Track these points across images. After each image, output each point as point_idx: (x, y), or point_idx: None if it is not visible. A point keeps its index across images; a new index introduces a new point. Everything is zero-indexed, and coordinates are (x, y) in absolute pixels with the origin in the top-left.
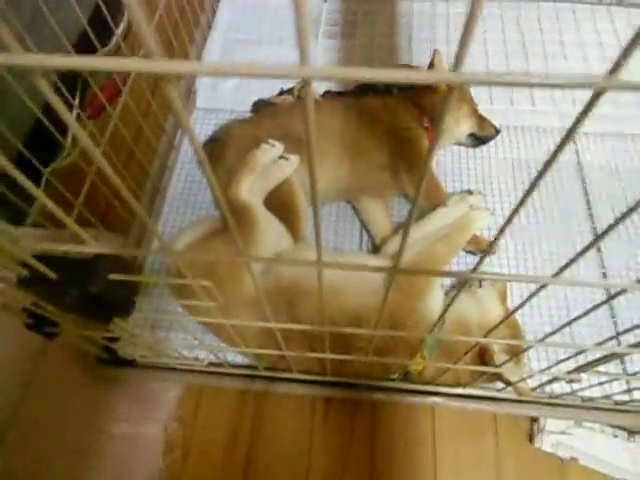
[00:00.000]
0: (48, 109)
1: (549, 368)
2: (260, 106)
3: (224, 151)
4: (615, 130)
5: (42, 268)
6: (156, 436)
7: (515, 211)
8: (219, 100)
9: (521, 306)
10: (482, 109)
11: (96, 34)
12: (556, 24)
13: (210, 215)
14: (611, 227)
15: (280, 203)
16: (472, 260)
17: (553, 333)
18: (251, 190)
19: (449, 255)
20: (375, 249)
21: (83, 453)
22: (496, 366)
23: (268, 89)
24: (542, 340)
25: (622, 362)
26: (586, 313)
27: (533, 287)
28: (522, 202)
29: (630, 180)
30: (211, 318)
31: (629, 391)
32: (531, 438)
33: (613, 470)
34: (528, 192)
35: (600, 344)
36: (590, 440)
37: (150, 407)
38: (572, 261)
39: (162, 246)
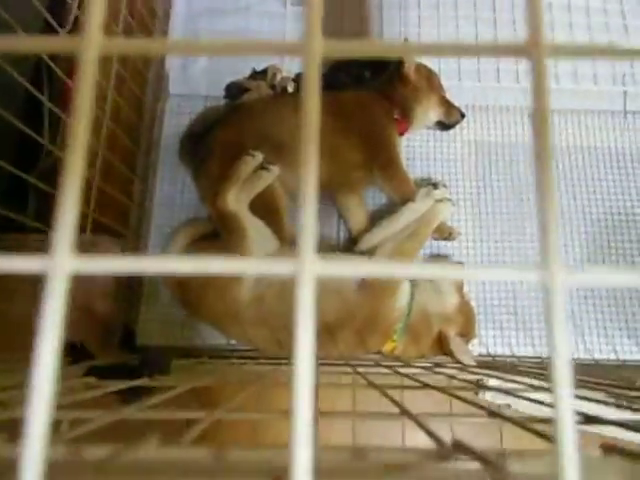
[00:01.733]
0: (24, 115)
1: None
2: (234, 91)
3: (209, 159)
4: (572, 106)
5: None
6: None
7: None
8: (192, 84)
9: None
10: (450, 86)
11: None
12: None
13: (198, 217)
14: None
15: (264, 206)
16: (436, 244)
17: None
18: (237, 199)
19: (417, 249)
20: (351, 239)
21: None
22: (448, 346)
23: (239, 70)
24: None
25: None
26: None
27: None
28: None
29: (578, 156)
30: (214, 320)
31: None
32: (476, 392)
33: (534, 410)
34: None
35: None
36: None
37: None
38: None
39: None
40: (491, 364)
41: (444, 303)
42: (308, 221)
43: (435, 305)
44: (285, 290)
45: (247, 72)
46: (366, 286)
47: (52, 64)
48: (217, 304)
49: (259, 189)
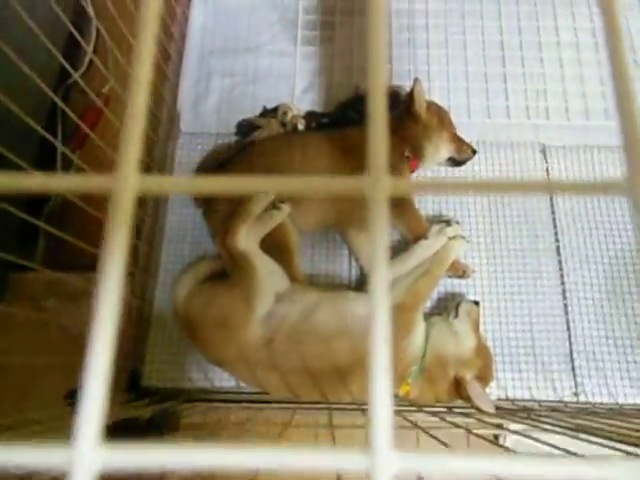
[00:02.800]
0: (38, 155)
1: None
2: (244, 128)
3: (219, 198)
4: (584, 142)
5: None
6: None
7: None
8: (203, 122)
9: None
10: (460, 123)
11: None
12: (535, 22)
13: (207, 256)
14: None
15: (274, 244)
16: (450, 282)
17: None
18: (247, 238)
19: (431, 288)
20: (363, 276)
21: None
22: (466, 391)
23: (250, 108)
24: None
25: (572, 360)
26: None
27: (503, 307)
28: None
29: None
30: (224, 362)
31: (576, 394)
32: (496, 437)
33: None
34: None
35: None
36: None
37: None
38: None
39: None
40: (512, 411)
41: (460, 345)
42: (382, 409)
43: (451, 347)
44: (295, 333)
45: (258, 110)
46: None
47: (66, 109)
48: (226, 346)
49: (270, 228)
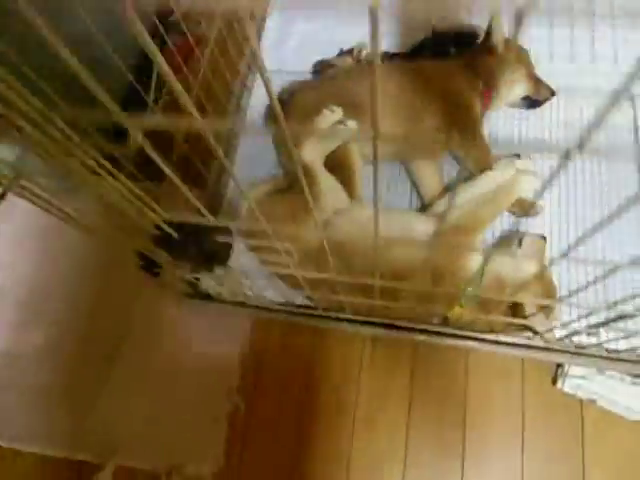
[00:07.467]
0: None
1: (571, 323)
2: (320, 67)
3: (288, 116)
4: None
5: (170, 231)
6: (233, 357)
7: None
8: (281, 61)
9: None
10: (541, 68)
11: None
12: None
13: (273, 176)
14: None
15: (338, 163)
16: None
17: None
18: (313, 152)
19: (492, 217)
20: (423, 208)
21: (174, 371)
22: (525, 318)
23: (329, 49)
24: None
25: None
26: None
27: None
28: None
29: None
30: (279, 266)
31: None
32: (554, 380)
33: (629, 412)
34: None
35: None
36: (609, 385)
37: (227, 333)
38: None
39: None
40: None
41: (521, 270)
42: None
43: (511, 272)
44: (349, 242)
45: (334, 53)
46: (440, 236)
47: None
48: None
49: (335, 144)
